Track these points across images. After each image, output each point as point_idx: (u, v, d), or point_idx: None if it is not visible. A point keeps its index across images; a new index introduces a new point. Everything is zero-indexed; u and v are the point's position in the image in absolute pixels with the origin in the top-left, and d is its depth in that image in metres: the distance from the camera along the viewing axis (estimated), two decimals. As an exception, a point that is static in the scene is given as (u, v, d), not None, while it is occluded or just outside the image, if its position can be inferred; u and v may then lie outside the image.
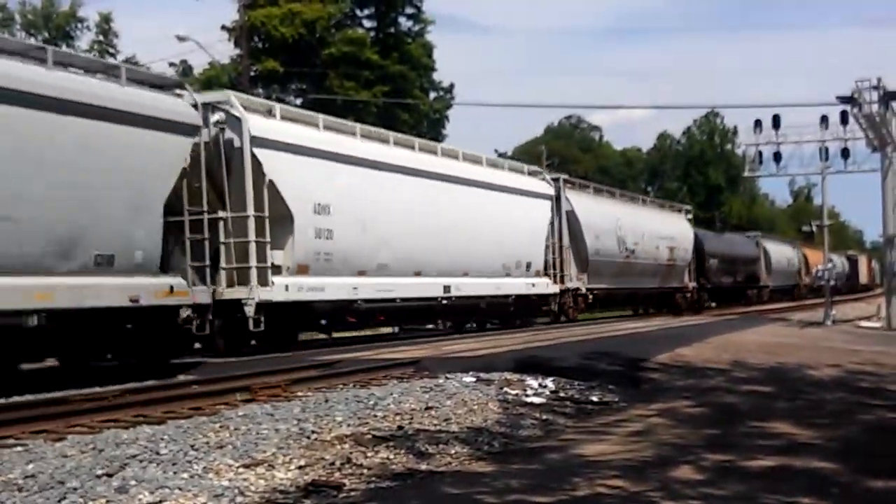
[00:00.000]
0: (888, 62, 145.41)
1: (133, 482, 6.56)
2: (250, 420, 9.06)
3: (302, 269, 17.71)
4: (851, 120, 28.82)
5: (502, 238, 25.03)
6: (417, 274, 21.21)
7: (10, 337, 12.45)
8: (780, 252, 55.18)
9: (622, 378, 13.53)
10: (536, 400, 11.31)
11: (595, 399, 11.81)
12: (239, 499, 6.34)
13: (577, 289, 29.31)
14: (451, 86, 48.15)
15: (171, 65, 42.65)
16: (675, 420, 10.15)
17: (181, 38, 34.88)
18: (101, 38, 47.79)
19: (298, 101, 40.97)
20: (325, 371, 13.41)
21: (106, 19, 47.63)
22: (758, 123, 31.17)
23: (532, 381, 12.46)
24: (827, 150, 30.89)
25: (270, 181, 16.90)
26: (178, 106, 15.27)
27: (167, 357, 14.91)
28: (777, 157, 31.47)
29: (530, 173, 28.57)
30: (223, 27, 42.39)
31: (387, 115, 40.42)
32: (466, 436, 8.77)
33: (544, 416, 10.29)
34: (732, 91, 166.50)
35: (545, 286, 27.27)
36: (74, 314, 13.17)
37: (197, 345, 16.45)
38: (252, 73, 39.87)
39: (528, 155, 68.42)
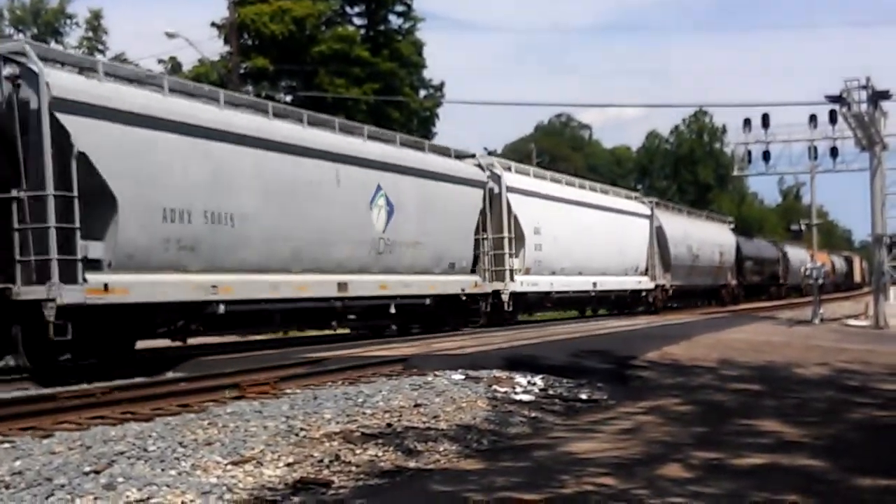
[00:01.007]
0: (878, 62, 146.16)
1: (121, 479, 6.54)
2: (239, 417, 9.04)
3: (527, 271, 26.02)
4: (840, 119, 28.80)
5: (623, 247, 33.73)
6: (580, 274, 29.57)
7: (417, 311, 21.60)
8: (795, 254, 62.26)
9: (611, 376, 13.54)
10: (525, 397, 11.32)
11: (584, 397, 11.82)
12: (227, 496, 6.33)
13: (663, 285, 37.76)
14: (442, 83, 48.02)
15: (160, 61, 42.45)
16: (663, 418, 10.17)
17: (170, 35, 34.69)
18: (90, 34, 47.64)
19: (288, 99, 40.82)
20: (314, 368, 13.41)
21: (96, 16, 47.50)
22: (747, 122, 31.17)
23: (521, 379, 12.47)
24: (816, 149, 30.98)
25: (514, 214, 25.42)
26: (477, 169, 24.46)
27: (460, 325, 23.12)
28: (766, 155, 31.53)
29: (635, 198, 37.80)
30: (213, 24, 42.21)
31: (377, 113, 40.31)
32: (455, 433, 8.77)
33: (533, 414, 10.30)
34: (722, 90, 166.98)
35: (647, 283, 36.07)
36: (442, 297, 22.03)
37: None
38: (242, 71, 39.71)
39: (518, 153, 68.46)
